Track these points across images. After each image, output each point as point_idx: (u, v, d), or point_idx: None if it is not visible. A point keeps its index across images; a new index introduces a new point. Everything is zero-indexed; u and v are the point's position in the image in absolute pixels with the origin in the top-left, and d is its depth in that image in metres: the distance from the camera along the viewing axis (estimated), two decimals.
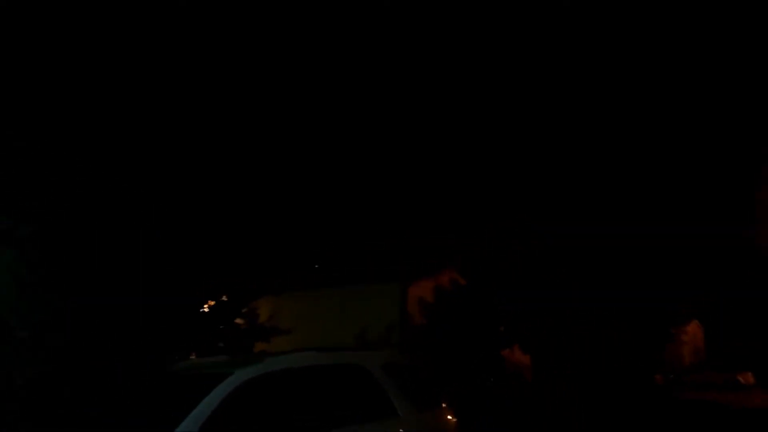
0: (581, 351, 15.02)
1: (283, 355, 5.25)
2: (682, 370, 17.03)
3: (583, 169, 14.04)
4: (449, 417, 6.20)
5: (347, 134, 11.53)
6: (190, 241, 7.98)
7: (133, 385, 5.44)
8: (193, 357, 8.12)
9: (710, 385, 16.51)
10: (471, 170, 14.47)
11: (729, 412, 13.48)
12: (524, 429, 12.05)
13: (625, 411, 12.76)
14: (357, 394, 5.29)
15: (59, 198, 8.09)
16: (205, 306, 8.84)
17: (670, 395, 14.18)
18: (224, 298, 8.74)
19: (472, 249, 15.18)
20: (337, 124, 11.13)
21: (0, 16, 7.28)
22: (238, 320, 8.81)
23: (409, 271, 14.98)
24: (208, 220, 8.34)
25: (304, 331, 10.40)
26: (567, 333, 15.71)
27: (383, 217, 13.69)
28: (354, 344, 12.02)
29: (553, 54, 12.15)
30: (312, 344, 6.56)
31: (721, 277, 16.20)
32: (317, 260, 13.08)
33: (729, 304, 16.81)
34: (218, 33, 8.63)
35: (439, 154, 14.02)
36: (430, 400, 6.14)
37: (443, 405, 6.27)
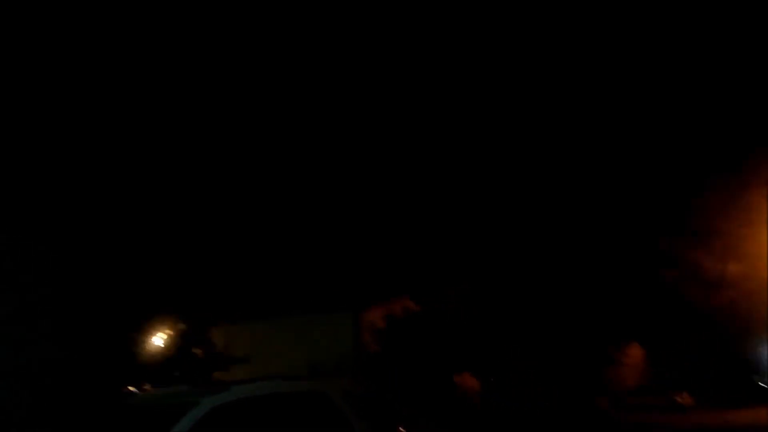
0: (528, 374, 15.43)
1: (248, 383, 5.34)
2: (624, 393, 17.59)
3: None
4: None
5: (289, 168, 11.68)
6: (147, 271, 7.97)
7: (95, 422, 5.40)
8: (147, 388, 8.05)
9: (650, 407, 17.10)
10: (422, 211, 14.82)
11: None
12: None
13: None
14: (320, 421, 5.41)
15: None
16: (162, 334, 8.79)
17: (612, 418, 14.66)
18: (182, 326, 8.72)
19: (425, 279, 15.50)
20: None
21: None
22: (195, 349, 8.77)
23: (362, 299, 15.17)
24: (166, 251, 8.36)
25: (258, 360, 10.40)
26: (514, 359, 16.14)
27: (336, 248, 13.87)
28: (308, 372, 12.05)
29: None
30: (268, 373, 6.65)
31: (659, 298, 16.94)
32: (271, 289, 13.10)
33: (668, 326, 17.56)
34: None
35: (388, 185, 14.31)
36: (388, 426, 6.30)
37: (400, 430, 6.43)
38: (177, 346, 8.64)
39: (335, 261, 13.84)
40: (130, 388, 8.55)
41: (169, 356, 8.53)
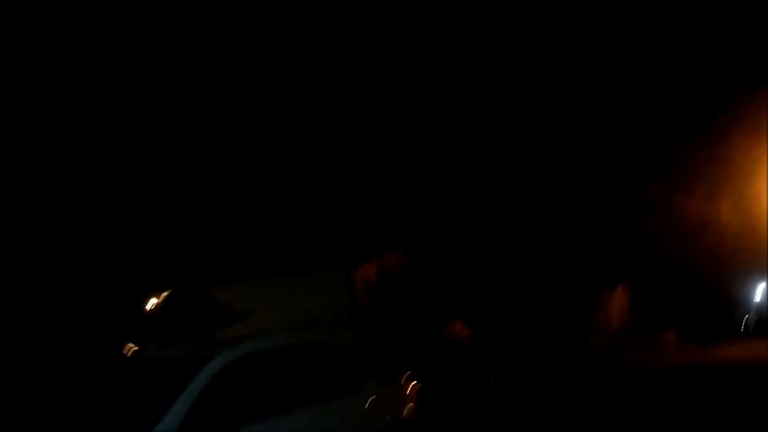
0: (518, 319, 15.87)
1: (257, 337, 5.54)
2: (611, 333, 18.16)
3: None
4: (410, 389, 6.65)
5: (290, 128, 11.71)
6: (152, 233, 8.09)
7: (114, 375, 5.59)
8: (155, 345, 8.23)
9: (635, 346, 17.67)
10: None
11: (654, 372, 14.55)
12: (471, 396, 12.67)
13: (560, 373, 13.61)
14: (329, 371, 5.66)
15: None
16: (163, 294, 8.97)
17: (601, 358, 15.18)
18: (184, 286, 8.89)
19: (416, 232, 15.71)
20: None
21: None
22: (199, 308, 8.96)
23: (355, 255, 15.36)
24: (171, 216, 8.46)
25: (258, 317, 10.59)
26: (505, 305, 16.57)
27: (330, 206, 14.00)
28: (302, 329, 12.27)
29: None
30: (268, 329, 6.84)
31: (644, 241, 17.35)
32: (267, 249, 13.25)
33: (652, 265, 17.98)
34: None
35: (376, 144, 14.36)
36: (392, 373, 6.58)
37: (403, 378, 6.72)
38: (181, 306, 8.82)
39: (329, 219, 13.99)
40: (132, 346, 8.73)
41: (173, 316, 8.71)
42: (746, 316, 18.77)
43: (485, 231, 16.53)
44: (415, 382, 6.73)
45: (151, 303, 9.75)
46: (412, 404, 6.41)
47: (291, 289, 14.51)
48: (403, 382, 6.58)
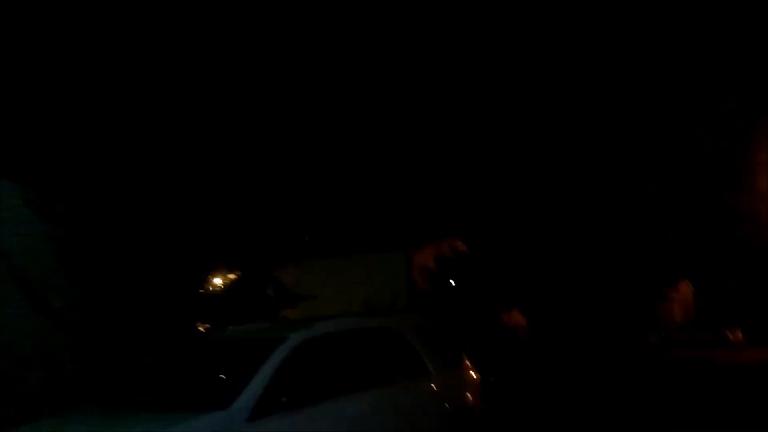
0: (577, 313, 15.63)
1: (329, 319, 5.70)
2: (674, 329, 17.69)
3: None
4: (472, 374, 6.70)
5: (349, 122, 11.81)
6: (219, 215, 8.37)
7: (189, 352, 5.84)
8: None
9: (700, 343, 17.15)
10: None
11: (718, 368, 14.12)
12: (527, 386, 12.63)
13: (620, 369, 13.38)
14: (395, 355, 5.77)
15: (87, 182, 8.43)
16: (231, 276, 9.28)
17: (663, 354, 14.81)
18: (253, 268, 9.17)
19: (474, 217, 15.65)
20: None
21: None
22: (267, 289, 9.25)
23: (413, 240, 15.45)
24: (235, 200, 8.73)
25: (318, 299, 10.84)
26: (563, 295, 16.33)
27: (388, 193, 14.10)
28: (361, 311, 12.48)
29: None
30: (329, 311, 6.99)
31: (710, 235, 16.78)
32: (329, 232, 13.50)
33: (719, 262, 17.38)
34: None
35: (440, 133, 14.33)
36: (455, 359, 6.64)
37: (466, 363, 6.77)
38: (250, 286, 9.12)
39: (388, 203, 14.11)
40: (202, 326, 9.09)
41: (243, 296, 9.02)
42: None
43: (546, 220, 16.30)
44: (475, 369, 6.78)
45: (216, 283, 10.12)
46: (474, 391, 6.48)
47: (351, 270, 14.79)
48: (465, 367, 6.64)
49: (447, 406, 5.94)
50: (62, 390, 7.71)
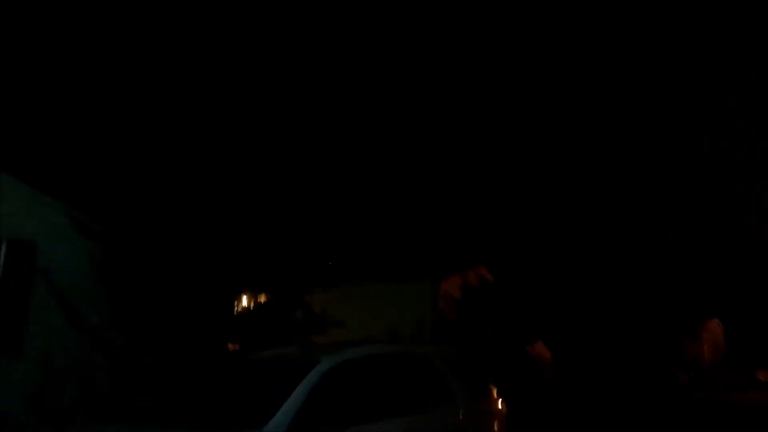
0: (604, 348, 15.41)
1: (359, 344, 5.78)
2: (702, 369, 17.34)
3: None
4: (500, 405, 6.70)
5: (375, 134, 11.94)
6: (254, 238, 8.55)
7: (220, 372, 5.95)
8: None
9: (730, 384, 16.77)
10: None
11: (750, 410, 13.79)
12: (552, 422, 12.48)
13: (646, 408, 13.15)
14: (424, 382, 5.81)
15: (122, 202, 8.72)
16: (260, 299, 9.43)
17: (691, 394, 14.52)
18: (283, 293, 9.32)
19: (501, 247, 15.63)
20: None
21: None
22: (297, 313, 9.39)
23: (439, 269, 15.50)
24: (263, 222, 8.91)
25: (346, 324, 10.91)
26: (591, 330, 16.13)
27: (416, 217, 14.19)
28: (386, 339, 12.52)
29: None
30: (354, 337, 7.05)
31: (740, 275, 16.47)
32: (356, 259, 13.66)
33: (748, 302, 17.07)
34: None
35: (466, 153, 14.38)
36: (483, 389, 6.65)
37: (493, 394, 6.78)
38: (279, 309, 9.26)
39: (414, 233, 14.21)
40: (232, 347, 9.22)
41: (272, 319, 9.16)
42: None
43: (574, 251, 16.19)
44: (502, 399, 6.78)
45: (244, 304, 10.28)
46: (501, 420, 6.48)
47: (378, 298, 14.88)
48: (492, 398, 6.65)
49: None
50: (94, 406, 7.87)
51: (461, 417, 5.90)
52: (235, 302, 10.36)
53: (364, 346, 5.73)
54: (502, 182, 15.18)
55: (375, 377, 5.35)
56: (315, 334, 9.37)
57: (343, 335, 9.86)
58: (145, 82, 8.60)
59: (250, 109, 9.56)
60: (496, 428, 6.29)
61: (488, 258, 16.83)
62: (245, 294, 10.48)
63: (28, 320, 8.13)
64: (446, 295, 15.82)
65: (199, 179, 9.07)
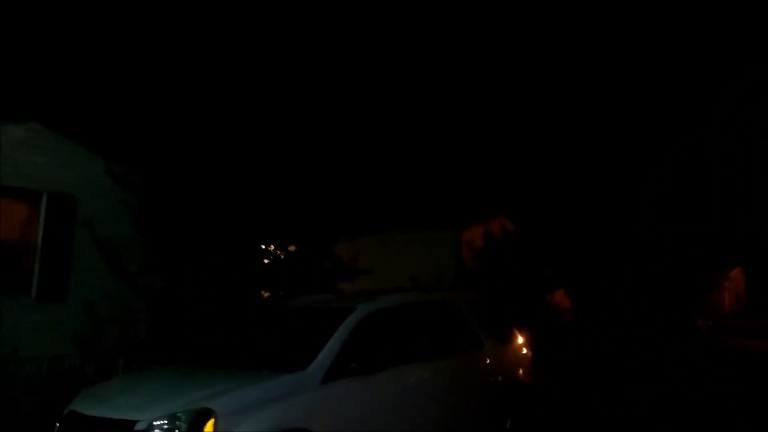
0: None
1: (391, 293, 6.04)
2: (722, 316, 17.50)
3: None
4: (524, 350, 6.98)
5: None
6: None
7: (259, 319, 6.27)
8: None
9: (749, 331, 16.91)
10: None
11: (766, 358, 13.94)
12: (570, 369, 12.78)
13: (665, 356, 13.37)
14: (452, 328, 6.10)
15: (160, 155, 8.96)
16: (290, 249, 9.72)
17: (710, 341, 14.70)
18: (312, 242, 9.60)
19: (522, 197, 15.76)
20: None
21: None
22: (326, 263, 9.67)
23: (463, 218, 15.71)
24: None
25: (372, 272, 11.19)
26: (611, 278, 16.31)
27: (440, 170, 14.38)
28: (410, 286, 12.81)
29: None
30: (382, 285, 7.31)
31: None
32: (382, 209, 13.93)
33: None
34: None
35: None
36: (507, 334, 6.92)
37: (517, 339, 7.04)
38: (309, 259, 9.55)
39: (440, 182, 14.41)
40: (265, 294, 9.56)
41: (303, 269, 9.46)
42: None
43: (596, 203, 16.24)
44: (527, 345, 7.04)
45: (277, 254, 10.58)
46: (525, 365, 6.76)
47: (402, 247, 15.17)
48: (517, 342, 6.92)
49: (499, 378, 6.25)
50: (136, 349, 8.30)
51: (488, 361, 6.19)
52: (269, 252, 10.64)
53: (396, 294, 5.99)
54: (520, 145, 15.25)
55: (406, 323, 5.63)
56: (344, 283, 9.67)
57: (369, 284, 10.14)
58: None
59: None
60: (520, 371, 6.59)
61: (510, 207, 16.99)
62: (278, 245, 10.75)
63: (72, 269, 8.53)
64: (469, 245, 16.07)
65: (232, 130, 9.27)
